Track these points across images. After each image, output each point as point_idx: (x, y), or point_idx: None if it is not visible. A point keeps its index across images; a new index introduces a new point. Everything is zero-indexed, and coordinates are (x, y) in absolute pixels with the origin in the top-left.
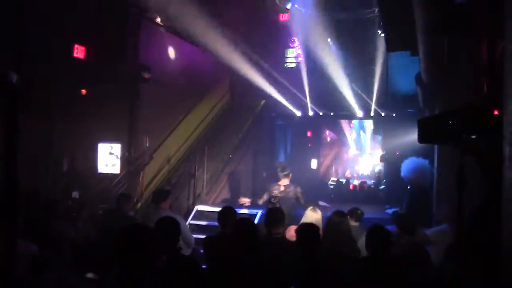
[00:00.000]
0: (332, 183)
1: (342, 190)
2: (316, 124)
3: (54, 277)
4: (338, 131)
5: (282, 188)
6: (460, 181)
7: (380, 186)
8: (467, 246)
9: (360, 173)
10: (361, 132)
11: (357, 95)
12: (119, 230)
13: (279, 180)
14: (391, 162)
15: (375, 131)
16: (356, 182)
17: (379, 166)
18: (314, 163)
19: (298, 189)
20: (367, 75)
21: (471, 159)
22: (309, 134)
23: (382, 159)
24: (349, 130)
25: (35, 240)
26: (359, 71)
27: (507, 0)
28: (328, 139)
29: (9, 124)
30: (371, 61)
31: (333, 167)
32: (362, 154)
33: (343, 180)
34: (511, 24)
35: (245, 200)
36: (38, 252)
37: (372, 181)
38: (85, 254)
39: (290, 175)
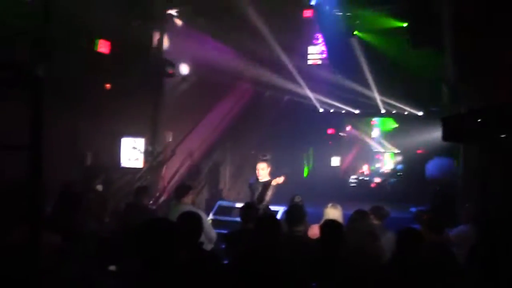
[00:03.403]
0: (353, 181)
1: (364, 189)
2: (337, 121)
3: (77, 269)
4: (360, 128)
5: (258, 182)
6: (484, 181)
7: (402, 184)
8: (491, 247)
9: (382, 170)
10: (382, 129)
11: (380, 93)
12: (140, 223)
13: (257, 173)
14: (412, 160)
15: (396, 129)
16: (378, 179)
17: (401, 164)
18: (335, 161)
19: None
20: (391, 72)
21: (497, 158)
22: (330, 131)
23: (401, 160)
24: (371, 127)
25: (58, 232)
26: (383, 68)
27: None
28: (349, 136)
29: (35, 117)
30: (394, 58)
31: (355, 165)
32: (384, 151)
33: (366, 178)
34: None
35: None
36: (61, 244)
37: (394, 179)
38: (108, 247)
39: (268, 169)
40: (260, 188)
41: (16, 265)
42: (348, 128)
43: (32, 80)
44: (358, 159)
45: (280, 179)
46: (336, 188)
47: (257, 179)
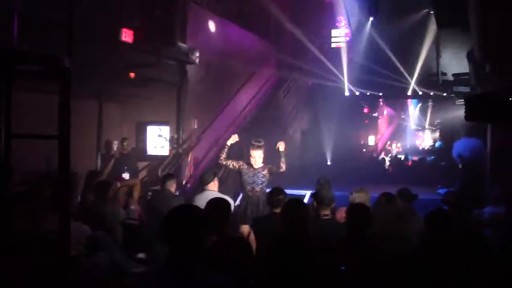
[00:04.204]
0: (390, 159)
1: (400, 167)
2: (371, 100)
3: (106, 257)
4: (396, 106)
5: (252, 170)
6: None
7: (441, 162)
8: None
9: (421, 148)
10: (419, 107)
11: (404, 74)
12: (169, 209)
13: (251, 160)
14: (448, 139)
15: (434, 107)
16: (415, 158)
17: (439, 142)
18: (371, 140)
19: (269, 166)
20: (416, 53)
21: None
22: (365, 110)
23: (441, 137)
24: (408, 105)
25: (87, 221)
26: (408, 49)
27: None
28: (385, 114)
29: (62, 107)
30: (420, 40)
31: (390, 142)
32: (421, 128)
33: (401, 156)
34: None
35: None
36: (90, 233)
37: (432, 157)
38: (135, 235)
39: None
40: (260, 173)
41: (48, 254)
42: (384, 107)
43: (59, 72)
44: (394, 137)
45: (282, 145)
46: (372, 167)
47: (251, 166)
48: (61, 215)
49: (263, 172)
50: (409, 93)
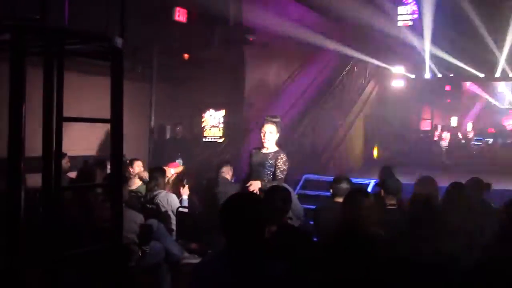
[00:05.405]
0: (477, 142)
1: (483, 152)
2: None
3: (159, 246)
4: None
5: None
6: None
7: None
8: None
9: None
10: None
11: (484, 52)
12: (225, 197)
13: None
14: None
15: None
16: (510, 141)
17: None
18: (454, 121)
19: (282, 156)
20: (497, 29)
21: None
22: (447, 88)
23: None
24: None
25: (140, 209)
26: (487, 25)
27: None
28: (470, 91)
29: (115, 89)
30: (502, 14)
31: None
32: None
33: (489, 140)
34: None
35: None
36: (144, 222)
37: None
38: (189, 224)
39: (277, 135)
40: (267, 161)
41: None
42: (468, 83)
43: (111, 52)
44: (480, 118)
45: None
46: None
47: (260, 149)
48: (113, 202)
49: (272, 161)
50: (481, 75)
